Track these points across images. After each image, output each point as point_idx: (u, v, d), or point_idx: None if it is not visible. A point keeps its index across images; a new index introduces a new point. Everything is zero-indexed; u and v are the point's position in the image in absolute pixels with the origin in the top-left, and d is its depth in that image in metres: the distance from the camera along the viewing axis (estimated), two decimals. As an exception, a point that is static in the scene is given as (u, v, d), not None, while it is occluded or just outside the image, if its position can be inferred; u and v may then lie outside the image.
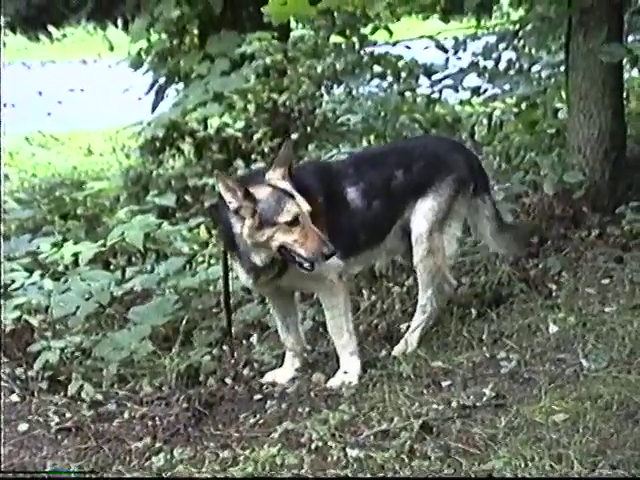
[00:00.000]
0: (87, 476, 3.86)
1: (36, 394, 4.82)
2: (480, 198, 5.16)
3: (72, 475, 3.88)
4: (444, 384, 4.51)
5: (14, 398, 4.80)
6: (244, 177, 5.34)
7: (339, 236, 4.65)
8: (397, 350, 4.99)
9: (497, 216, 5.25)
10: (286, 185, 4.47)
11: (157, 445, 4.27)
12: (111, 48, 13.27)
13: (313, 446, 4.02)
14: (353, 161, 5.21)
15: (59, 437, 4.41)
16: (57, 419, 4.54)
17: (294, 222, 4.39)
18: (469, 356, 4.76)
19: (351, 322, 4.84)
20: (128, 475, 3.99)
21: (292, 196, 4.42)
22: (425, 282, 5.04)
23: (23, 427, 4.49)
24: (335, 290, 4.75)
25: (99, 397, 4.78)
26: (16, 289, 5.18)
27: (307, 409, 4.47)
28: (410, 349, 4.96)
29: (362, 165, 5.01)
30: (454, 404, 4.24)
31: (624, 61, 6.81)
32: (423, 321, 5.06)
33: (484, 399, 4.27)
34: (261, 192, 4.43)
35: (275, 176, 4.50)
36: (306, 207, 4.41)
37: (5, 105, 13.77)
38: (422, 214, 4.94)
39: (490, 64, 8.83)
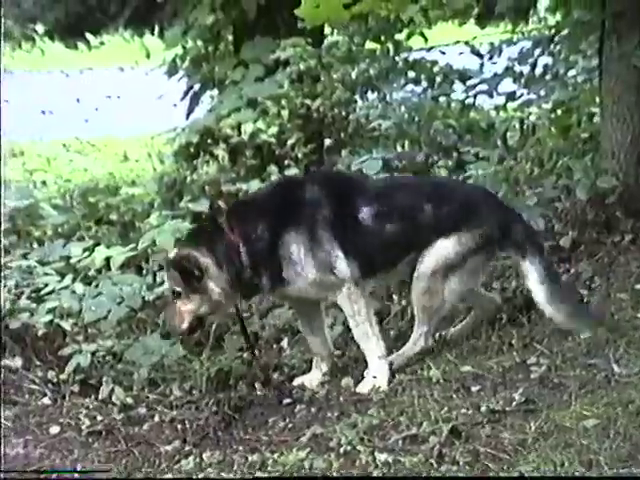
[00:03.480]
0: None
1: (67, 397, 4.87)
2: (528, 261, 4.85)
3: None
4: (473, 389, 4.49)
5: (46, 401, 4.86)
6: None
7: (357, 249, 4.74)
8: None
9: (551, 280, 4.84)
10: None
11: (187, 448, 4.31)
12: (147, 55, 13.35)
13: (342, 450, 4.02)
14: (380, 182, 5.33)
15: (90, 440, 4.46)
16: (88, 422, 4.59)
17: None
18: (499, 361, 4.73)
19: (376, 326, 4.83)
20: (159, 476, 4.01)
21: None
22: (419, 319, 4.93)
23: (55, 430, 4.55)
24: (354, 297, 4.77)
25: (129, 401, 4.83)
26: (49, 293, 5.22)
27: (336, 413, 4.48)
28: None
29: (390, 188, 5.01)
30: (483, 409, 4.21)
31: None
32: (412, 351, 4.96)
33: (514, 404, 4.24)
34: None
35: None
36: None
37: (44, 112, 14.01)
38: (435, 253, 4.80)
39: (526, 69, 8.78)
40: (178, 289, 4.70)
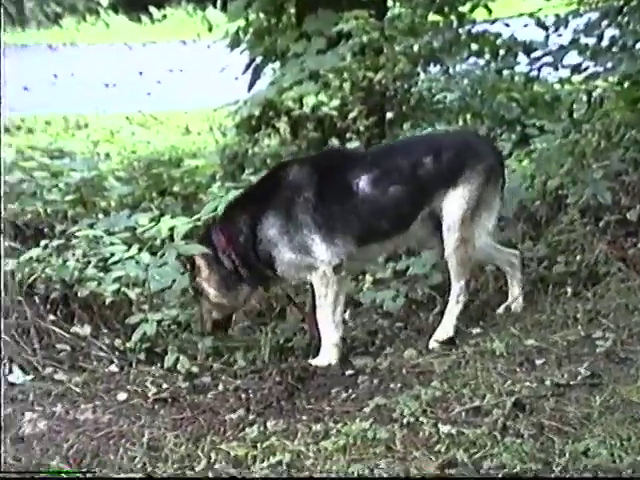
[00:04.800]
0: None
1: (134, 365, 4.95)
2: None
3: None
4: (538, 362, 4.48)
5: (113, 368, 4.94)
6: None
7: (342, 226, 4.85)
8: (437, 337, 4.99)
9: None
10: None
11: (250, 417, 4.35)
12: (210, 28, 13.37)
13: (405, 421, 4.04)
14: (375, 149, 5.49)
15: (156, 407, 4.52)
16: (154, 389, 4.65)
17: None
18: (564, 335, 4.71)
19: (339, 314, 4.95)
20: (224, 446, 4.04)
21: None
22: (457, 273, 5.03)
23: (122, 396, 4.61)
24: (325, 280, 4.86)
25: (194, 369, 4.89)
26: (115, 262, 5.29)
27: (399, 385, 4.50)
28: (447, 336, 4.97)
29: (384, 152, 5.16)
30: (548, 382, 4.21)
31: None
32: (457, 309, 5.06)
33: (579, 378, 4.23)
34: None
35: None
36: None
37: (107, 85, 14.14)
38: (454, 203, 4.94)
39: (592, 41, 8.62)
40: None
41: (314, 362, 4.87)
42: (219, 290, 5.01)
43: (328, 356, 4.90)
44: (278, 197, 4.92)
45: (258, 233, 4.90)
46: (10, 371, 4.73)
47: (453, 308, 5.06)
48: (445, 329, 5.01)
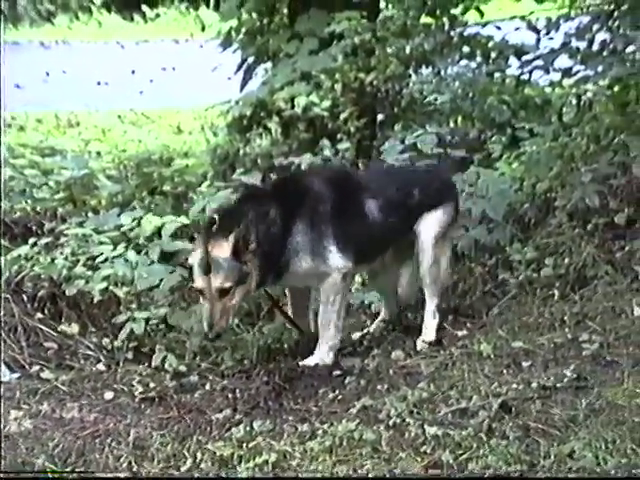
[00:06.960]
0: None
1: (121, 364, 4.95)
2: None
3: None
4: (524, 364, 4.49)
5: (100, 367, 4.95)
6: None
7: (355, 242, 4.91)
8: (424, 338, 5.07)
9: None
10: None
11: (237, 417, 4.34)
12: (203, 28, 13.40)
13: (391, 422, 4.04)
14: (374, 175, 5.56)
15: (143, 406, 4.52)
16: (141, 388, 4.65)
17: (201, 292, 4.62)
18: (550, 337, 4.72)
19: (342, 320, 4.97)
20: (210, 446, 4.04)
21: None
22: (431, 290, 5.17)
23: (109, 395, 4.62)
24: (336, 288, 4.90)
25: (182, 368, 4.89)
26: (103, 261, 5.28)
27: (386, 386, 4.50)
28: (433, 339, 5.06)
29: (383, 181, 5.27)
30: (534, 384, 4.22)
31: None
32: (435, 324, 5.14)
33: (565, 380, 4.23)
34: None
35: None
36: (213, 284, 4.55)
37: (99, 83, 14.13)
38: (430, 224, 5.13)
39: (583, 45, 8.64)
40: (229, 285, 4.57)
41: (305, 362, 4.87)
42: (261, 276, 4.74)
43: (324, 357, 4.89)
44: (305, 206, 4.91)
45: (287, 240, 4.80)
46: (-3, 369, 4.73)
47: (430, 322, 5.16)
48: (426, 339, 5.07)
